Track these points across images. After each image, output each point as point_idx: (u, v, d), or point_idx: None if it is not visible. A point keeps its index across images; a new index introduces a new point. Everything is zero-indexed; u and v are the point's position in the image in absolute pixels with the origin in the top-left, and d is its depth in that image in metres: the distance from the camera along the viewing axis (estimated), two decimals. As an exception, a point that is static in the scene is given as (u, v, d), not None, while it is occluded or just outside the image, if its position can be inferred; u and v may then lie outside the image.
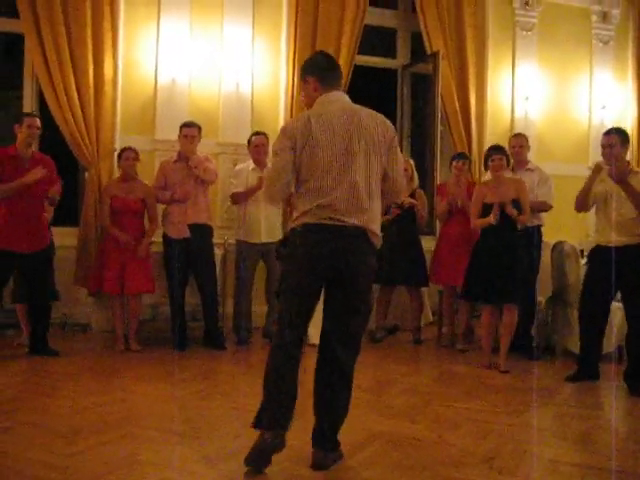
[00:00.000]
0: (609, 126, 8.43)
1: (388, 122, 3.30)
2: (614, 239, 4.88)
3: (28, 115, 5.55)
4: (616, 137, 4.90)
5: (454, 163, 6.45)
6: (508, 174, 5.66)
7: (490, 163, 5.52)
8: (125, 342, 5.83)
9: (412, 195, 6.38)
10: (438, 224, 6.96)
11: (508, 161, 5.59)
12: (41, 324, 5.53)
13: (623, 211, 4.85)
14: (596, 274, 4.98)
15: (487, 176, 5.92)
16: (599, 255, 4.99)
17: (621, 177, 4.71)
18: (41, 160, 5.43)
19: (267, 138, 6.20)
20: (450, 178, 6.54)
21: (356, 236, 3.16)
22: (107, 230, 5.92)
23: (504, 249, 5.32)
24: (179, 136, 6.05)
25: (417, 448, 3.46)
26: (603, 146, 4.94)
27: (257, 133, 6.30)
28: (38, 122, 5.45)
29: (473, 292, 5.54)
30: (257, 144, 6.18)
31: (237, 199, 6.21)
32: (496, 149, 5.60)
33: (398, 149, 3.31)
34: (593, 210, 5.21)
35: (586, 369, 5.04)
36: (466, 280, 5.58)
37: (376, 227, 3.24)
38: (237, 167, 6.45)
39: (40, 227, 5.44)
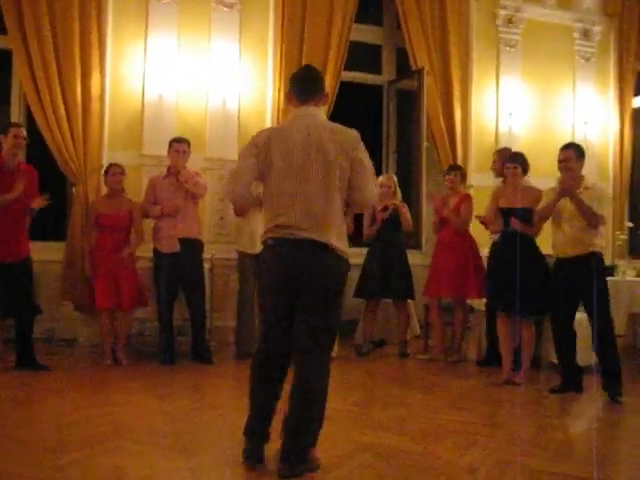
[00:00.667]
0: (592, 140, 8.66)
1: (352, 133, 3.31)
2: (568, 251, 5.04)
3: (14, 125, 5.59)
4: (571, 152, 5.07)
5: (446, 176, 6.52)
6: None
7: (505, 171, 5.57)
8: (113, 356, 5.84)
9: (395, 210, 6.44)
10: (424, 239, 7.04)
11: (525, 168, 5.55)
12: (25, 337, 5.50)
13: (576, 223, 4.99)
14: (557, 287, 5.12)
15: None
16: (558, 268, 5.15)
17: (566, 192, 4.87)
18: (26, 171, 5.46)
19: None
20: (446, 192, 6.55)
21: (314, 251, 3.20)
22: (88, 246, 5.98)
23: (521, 261, 5.21)
24: (169, 151, 6.09)
25: (403, 460, 3.49)
26: (559, 160, 5.09)
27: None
28: (24, 132, 5.48)
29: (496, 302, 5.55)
30: None
31: (239, 211, 6.11)
32: (512, 158, 5.61)
33: (363, 159, 3.29)
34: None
35: (568, 381, 5.09)
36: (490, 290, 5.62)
37: (337, 240, 3.25)
38: None
39: (21, 238, 5.45)
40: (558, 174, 5.16)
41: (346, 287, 3.50)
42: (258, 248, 6.03)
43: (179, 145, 6.05)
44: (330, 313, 3.26)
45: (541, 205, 5.21)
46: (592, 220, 4.93)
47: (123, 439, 3.72)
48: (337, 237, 3.25)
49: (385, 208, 6.42)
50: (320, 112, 3.39)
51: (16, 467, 3.26)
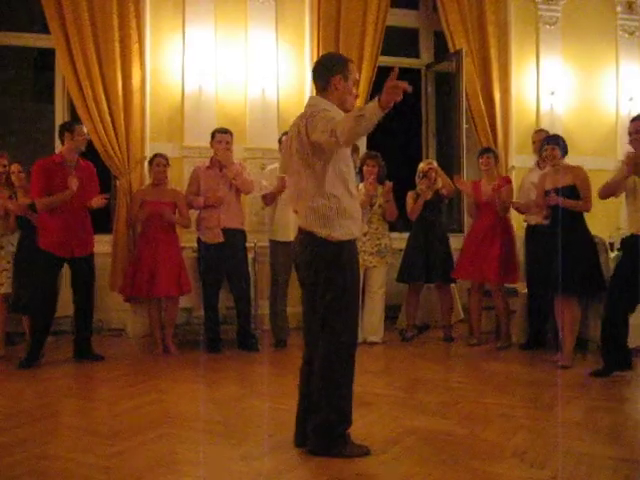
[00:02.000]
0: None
1: (310, 110, 3.28)
2: None
3: (76, 123, 5.73)
4: None
5: (480, 159, 6.42)
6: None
7: (543, 154, 5.53)
8: (163, 345, 5.96)
9: (436, 193, 6.41)
10: (465, 222, 6.99)
11: (564, 150, 5.44)
12: (86, 328, 5.68)
13: None
14: (628, 263, 4.92)
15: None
16: (630, 245, 4.95)
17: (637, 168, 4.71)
18: (86, 167, 5.64)
19: None
20: (482, 177, 6.45)
21: (301, 238, 3.40)
22: (138, 217, 6.10)
23: (565, 239, 5.18)
24: (211, 142, 6.13)
25: (449, 443, 3.51)
26: (630, 133, 4.91)
27: (286, 133, 6.34)
28: (85, 129, 5.69)
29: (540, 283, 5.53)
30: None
31: (266, 199, 6.23)
32: (547, 140, 5.56)
33: (315, 117, 3.19)
34: (624, 202, 5.18)
35: (613, 362, 4.97)
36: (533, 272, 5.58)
37: (310, 222, 3.31)
38: (268, 168, 6.49)
39: (86, 232, 5.63)
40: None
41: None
42: (291, 236, 6.15)
43: (222, 136, 6.09)
44: (323, 294, 3.33)
45: (611, 179, 5.07)
46: None
47: (173, 426, 3.81)
48: (313, 218, 3.32)
49: (425, 174, 6.38)
50: (319, 101, 3.35)
51: (70, 453, 3.38)
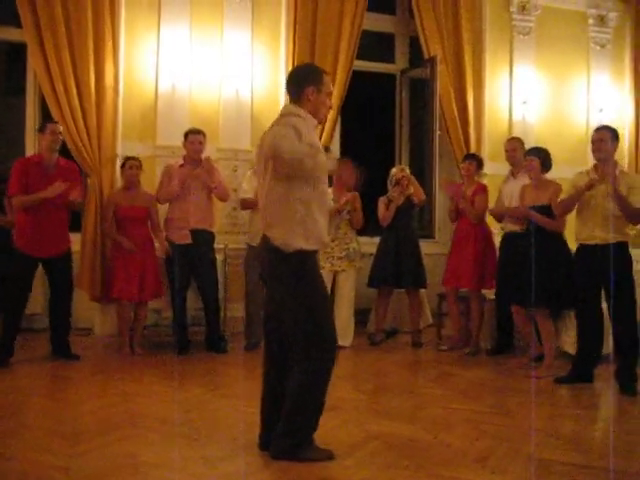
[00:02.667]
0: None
1: (284, 120, 3.29)
2: (598, 235, 4.91)
3: (50, 122, 5.68)
4: (607, 132, 4.97)
5: (461, 165, 6.47)
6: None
7: (525, 163, 5.54)
8: (130, 346, 5.92)
9: (407, 199, 6.45)
10: (437, 228, 7.04)
11: (545, 163, 5.42)
12: (64, 327, 5.65)
13: (610, 207, 4.85)
14: (583, 275, 5.00)
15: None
16: (583, 255, 5.02)
17: (609, 177, 4.78)
18: (66, 167, 5.60)
19: None
20: (462, 179, 6.53)
21: (264, 247, 3.39)
22: (111, 237, 6.04)
23: (538, 254, 5.17)
24: (184, 143, 6.10)
25: (412, 449, 3.53)
26: (593, 142, 4.99)
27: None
28: (60, 128, 5.64)
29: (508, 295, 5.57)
30: None
31: (246, 205, 6.20)
32: (529, 151, 5.58)
33: (281, 127, 3.23)
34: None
35: (580, 371, 5.05)
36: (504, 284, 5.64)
37: (274, 232, 3.29)
38: (249, 172, 6.39)
39: (63, 232, 5.60)
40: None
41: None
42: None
43: (195, 137, 6.05)
44: (284, 302, 3.36)
45: (565, 194, 5.12)
46: (634, 216, 4.85)
47: (137, 427, 3.79)
48: (277, 229, 3.29)
49: (397, 182, 6.42)
50: (293, 110, 3.35)
51: (33, 454, 3.34)
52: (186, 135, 6.11)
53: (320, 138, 6.53)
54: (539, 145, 5.83)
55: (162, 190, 6.09)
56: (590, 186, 4.85)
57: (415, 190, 6.48)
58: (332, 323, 3.38)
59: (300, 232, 3.24)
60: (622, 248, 4.88)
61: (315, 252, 3.33)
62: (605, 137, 4.95)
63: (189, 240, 5.97)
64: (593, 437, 3.97)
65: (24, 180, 5.34)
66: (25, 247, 5.38)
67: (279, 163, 3.19)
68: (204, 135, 6.13)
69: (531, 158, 5.42)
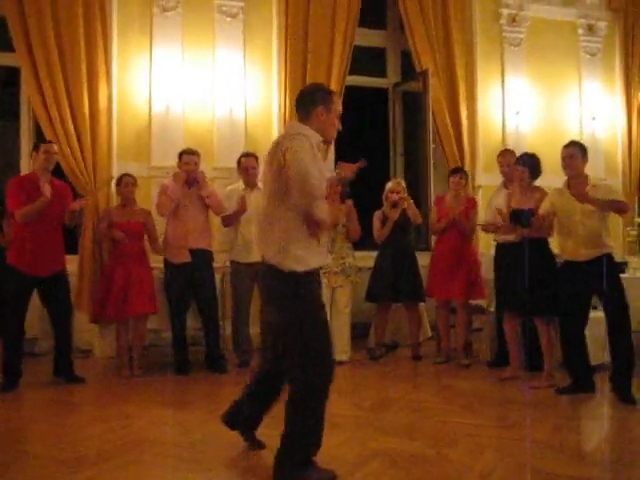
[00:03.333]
0: (600, 137, 8.64)
1: (288, 137, 3.28)
2: (583, 253, 4.94)
3: (44, 142, 5.69)
4: (576, 149, 5.01)
5: (451, 179, 6.48)
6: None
7: (515, 173, 5.56)
8: (129, 367, 5.90)
9: (403, 213, 6.46)
10: (433, 240, 7.04)
11: (534, 171, 5.46)
12: (66, 350, 5.63)
13: (589, 223, 4.91)
14: (570, 289, 5.02)
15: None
16: (570, 270, 5.04)
17: (581, 199, 4.81)
18: (59, 187, 5.61)
19: (257, 159, 6.25)
20: (448, 193, 6.53)
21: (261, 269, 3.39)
22: (106, 236, 6.04)
23: (530, 263, 5.25)
24: (179, 164, 6.09)
25: (415, 465, 3.51)
26: (563, 158, 5.03)
27: (246, 154, 6.34)
28: (55, 148, 5.64)
29: (504, 304, 5.58)
30: (246, 165, 6.24)
31: (227, 221, 6.23)
32: (521, 157, 5.60)
33: (290, 155, 3.17)
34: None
35: (579, 382, 5.06)
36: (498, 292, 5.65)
37: (271, 254, 3.28)
38: (228, 188, 6.45)
39: (58, 250, 5.58)
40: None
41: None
42: (254, 257, 6.13)
43: (190, 157, 6.04)
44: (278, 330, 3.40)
45: (542, 210, 5.15)
46: (619, 208, 4.89)
47: (140, 452, 3.77)
48: (274, 250, 3.28)
49: (395, 204, 6.43)
50: (298, 127, 3.36)
51: (33, 483, 3.32)
52: (180, 155, 6.10)
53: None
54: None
55: (162, 203, 6.01)
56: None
57: (412, 213, 6.47)
58: (328, 342, 3.34)
59: (292, 253, 3.23)
60: (608, 260, 4.91)
61: (310, 273, 3.30)
62: (575, 153, 4.99)
63: (188, 259, 5.96)
64: (597, 448, 3.95)
65: (22, 196, 5.34)
66: (20, 264, 5.37)
67: (299, 184, 3.14)
68: (198, 155, 6.13)
69: (522, 169, 5.44)
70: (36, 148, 5.55)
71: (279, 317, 3.30)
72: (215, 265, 6.30)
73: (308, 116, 3.36)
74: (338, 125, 3.45)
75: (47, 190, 5.33)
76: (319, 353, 3.25)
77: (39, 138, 6.76)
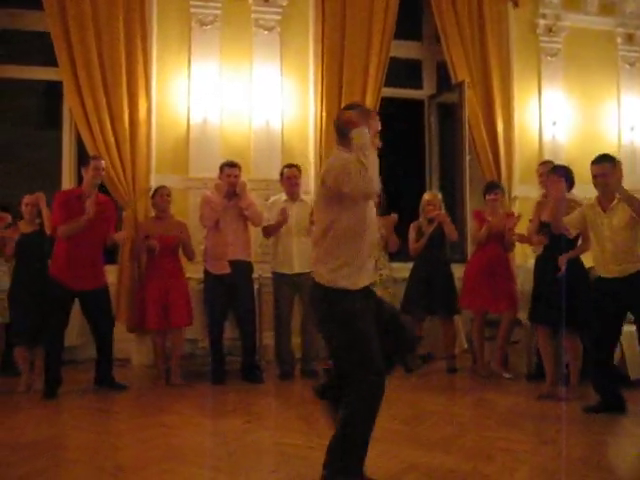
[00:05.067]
0: (639, 147, 8.47)
1: (331, 160, 3.31)
2: (612, 269, 4.84)
3: (94, 158, 5.82)
4: (607, 165, 4.82)
5: (487, 196, 6.43)
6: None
7: (547, 182, 5.49)
8: (166, 376, 5.97)
9: (439, 225, 6.45)
10: (469, 252, 7.02)
11: (570, 183, 5.34)
12: (106, 360, 5.76)
13: (618, 239, 4.81)
14: (600, 306, 4.91)
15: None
16: (602, 286, 4.94)
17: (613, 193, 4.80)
18: (104, 203, 5.73)
19: (299, 170, 6.34)
20: (486, 209, 6.48)
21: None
22: (142, 248, 6.15)
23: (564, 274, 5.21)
24: (220, 176, 6.16)
25: (451, 480, 3.52)
26: (595, 176, 4.87)
27: (289, 166, 6.42)
28: (103, 164, 5.78)
29: (537, 316, 5.54)
30: (289, 176, 6.31)
31: (268, 232, 6.31)
32: (553, 169, 5.53)
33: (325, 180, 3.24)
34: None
35: (609, 400, 4.92)
36: (532, 304, 5.60)
37: (317, 269, 3.31)
38: (270, 200, 6.53)
39: (98, 266, 5.72)
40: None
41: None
42: (296, 268, 6.18)
43: (231, 170, 6.10)
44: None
45: (567, 220, 5.09)
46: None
47: (177, 461, 3.82)
48: (320, 265, 3.30)
49: (431, 220, 6.44)
50: (337, 153, 3.34)
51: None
52: (222, 168, 6.17)
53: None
54: (570, 166, 5.78)
55: (205, 214, 6.07)
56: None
57: (448, 230, 6.46)
58: (376, 355, 3.21)
59: (338, 271, 3.24)
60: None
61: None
62: (606, 171, 4.81)
63: (228, 270, 6.03)
64: (632, 465, 3.90)
65: (66, 211, 5.47)
66: (61, 276, 5.50)
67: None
68: (240, 168, 6.19)
69: (559, 179, 5.30)
70: (85, 163, 5.67)
71: (330, 331, 3.31)
72: (253, 276, 6.35)
73: (346, 138, 3.28)
74: (378, 144, 3.36)
75: (90, 208, 5.40)
76: (368, 365, 3.18)
77: (80, 149, 6.94)
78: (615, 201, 4.84)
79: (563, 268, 5.17)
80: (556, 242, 5.28)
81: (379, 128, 3.41)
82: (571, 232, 5.14)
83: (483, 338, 6.39)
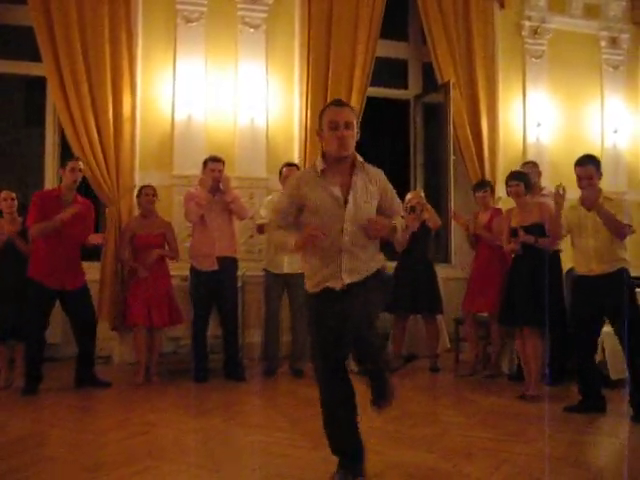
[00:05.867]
0: (622, 150, 8.56)
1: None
2: (594, 267, 4.90)
3: (71, 159, 5.77)
4: (592, 168, 4.88)
5: (477, 194, 6.52)
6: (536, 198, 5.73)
7: (508, 189, 5.63)
8: (146, 374, 5.95)
9: (423, 224, 6.47)
10: (453, 252, 7.06)
11: (528, 186, 5.60)
12: (88, 360, 5.74)
13: (602, 237, 4.87)
14: (582, 304, 4.98)
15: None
16: (583, 285, 5.01)
17: (591, 204, 4.82)
18: (83, 204, 5.68)
19: (298, 169, 6.32)
20: (477, 207, 6.59)
21: None
22: (127, 264, 6.11)
23: (528, 274, 5.36)
24: (203, 171, 6.14)
25: (432, 478, 3.52)
26: (580, 177, 4.92)
27: (288, 164, 6.42)
28: (81, 165, 5.74)
29: (502, 317, 5.62)
30: (287, 175, 6.29)
31: (261, 230, 6.26)
32: (513, 176, 5.66)
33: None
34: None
35: (590, 400, 4.98)
36: (500, 305, 5.67)
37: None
38: (267, 198, 6.53)
39: (75, 267, 5.70)
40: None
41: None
42: (286, 269, 6.17)
43: (215, 164, 6.09)
44: None
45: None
46: (620, 230, 4.80)
47: (158, 459, 3.81)
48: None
49: (412, 209, 6.44)
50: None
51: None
52: (205, 162, 6.16)
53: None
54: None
55: (190, 209, 6.04)
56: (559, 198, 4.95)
57: (430, 216, 6.51)
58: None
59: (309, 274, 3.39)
60: (621, 275, 4.85)
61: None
62: (592, 173, 4.87)
63: (215, 267, 6.01)
64: (611, 465, 3.93)
65: (42, 212, 5.44)
66: (37, 276, 5.48)
67: None
68: (223, 163, 6.18)
69: (517, 183, 5.55)
70: (63, 165, 5.67)
71: None
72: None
73: (321, 142, 3.36)
74: (338, 134, 3.19)
75: (66, 211, 5.40)
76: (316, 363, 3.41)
77: (64, 145, 6.90)
78: (601, 198, 4.88)
79: (523, 237, 5.34)
80: (528, 247, 5.38)
81: (333, 119, 3.22)
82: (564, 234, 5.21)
83: (477, 339, 6.43)
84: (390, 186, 3.45)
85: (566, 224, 5.09)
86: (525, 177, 5.66)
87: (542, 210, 5.45)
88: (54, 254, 5.49)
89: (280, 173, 6.39)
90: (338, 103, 3.32)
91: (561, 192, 4.94)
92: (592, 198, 4.86)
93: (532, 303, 5.30)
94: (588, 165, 4.90)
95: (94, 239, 5.65)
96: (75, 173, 5.60)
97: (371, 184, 3.32)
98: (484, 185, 6.65)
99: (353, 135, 3.25)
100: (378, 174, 3.39)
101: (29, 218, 5.51)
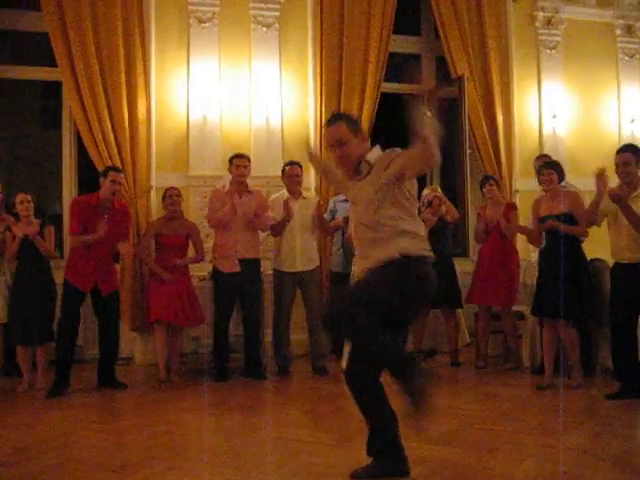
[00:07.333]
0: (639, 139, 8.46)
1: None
2: (628, 256, 4.92)
3: (113, 169, 5.80)
4: (630, 155, 4.89)
5: (483, 189, 6.51)
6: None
7: (541, 177, 5.60)
8: (167, 374, 5.97)
9: (441, 219, 6.45)
10: (471, 246, 7.02)
11: (560, 175, 5.58)
12: (110, 359, 5.81)
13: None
14: (618, 292, 5.01)
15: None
16: (618, 273, 5.04)
17: (617, 198, 4.77)
18: (119, 209, 5.76)
19: (301, 168, 6.30)
20: (487, 203, 6.54)
21: None
22: (148, 265, 6.14)
23: (558, 265, 5.28)
24: (230, 168, 6.14)
25: (457, 473, 3.50)
26: (617, 164, 4.93)
27: (290, 163, 6.38)
28: (122, 177, 5.82)
29: (537, 309, 5.59)
30: (290, 174, 6.29)
31: (276, 231, 6.25)
32: (546, 165, 5.64)
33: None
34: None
35: (627, 387, 4.97)
36: (534, 297, 5.65)
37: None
38: (271, 198, 6.48)
39: (110, 271, 5.79)
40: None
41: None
42: (299, 267, 6.17)
43: (240, 160, 6.09)
44: None
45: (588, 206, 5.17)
46: (637, 225, 4.79)
47: (182, 458, 3.82)
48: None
49: (429, 203, 6.42)
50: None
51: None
52: (231, 159, 6.15)
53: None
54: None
55: (214, 214, 6.05)
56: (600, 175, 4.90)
57: (448, 209, 6.50)
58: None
59: None
60: None
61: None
62: (629, 160, 4.88)
63: (238, 269, 6.02)
64: (638, 456, 3.89)
65: (82, 221, 5.54)
66: (72, 279, 5.56)
67: None
68: (249, 159, 6.18)
69: (550, 172, 5.49)
70: (104, 174, 5.68)
71: None
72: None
73: None
74: (336, 155, 3.46)
75: (102, 229, 5.47)
76: None
77: (80, 148, 6.95)
78: (638, 191, 4.85)
79: (561, 227, 5.27)
80: (557, 236, 5.32)
81: (328, 141, 3.49)
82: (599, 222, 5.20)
83: (488, 332, 6.41)
84: (397, 153, 3.42)
85: (602, 211, 5.06)
86: (558, 166, 5.62)
87: (573, 200, 5.41)
88: (89, 259, 5.57)
89: (283, 171, 6.37)
90: (328, 121, 3.50)
91: (604, 175, 4.90)
92: (617, 190, 4.81)
93: (570, 294, 5.22)
94: (626, 152, 4.93)
95: (123, 248, 5.74)
96: (115, 185, 5.62)
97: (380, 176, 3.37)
98: (488, 178, 6.63)
99: (349, 148, 3.41)
100: (382, 160, 3.42)
101: (71, 227, 5.61)
